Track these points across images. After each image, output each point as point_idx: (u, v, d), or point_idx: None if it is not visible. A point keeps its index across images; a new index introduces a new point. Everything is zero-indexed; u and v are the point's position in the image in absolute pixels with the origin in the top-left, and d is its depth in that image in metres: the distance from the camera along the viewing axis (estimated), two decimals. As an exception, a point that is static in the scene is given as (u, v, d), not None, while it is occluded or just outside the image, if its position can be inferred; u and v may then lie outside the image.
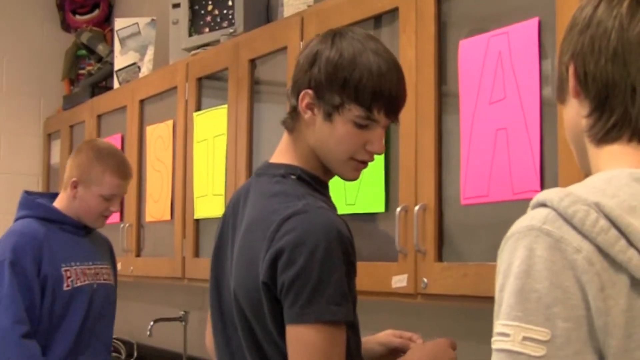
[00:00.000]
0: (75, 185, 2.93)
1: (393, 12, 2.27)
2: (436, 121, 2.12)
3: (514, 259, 1.03)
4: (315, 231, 1.62)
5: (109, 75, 4.51)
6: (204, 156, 3.21)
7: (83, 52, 5.10)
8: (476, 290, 1.95)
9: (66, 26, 5.37)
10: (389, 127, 1.85)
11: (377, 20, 2.34)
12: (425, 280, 2.09)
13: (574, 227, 1.01)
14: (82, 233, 3.00)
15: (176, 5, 3.62)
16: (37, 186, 5.16)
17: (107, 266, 3.07)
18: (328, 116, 1.72)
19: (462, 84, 2.06)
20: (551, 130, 1.82)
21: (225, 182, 3.04)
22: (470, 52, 2.04)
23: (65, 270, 2.88)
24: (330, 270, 1.60)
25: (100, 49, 4.76)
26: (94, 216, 2.97)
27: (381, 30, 2.32)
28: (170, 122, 3.51)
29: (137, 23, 4.30)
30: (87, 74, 4.93)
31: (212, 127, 3.16)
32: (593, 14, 1.15)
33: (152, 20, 4.26)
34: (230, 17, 3.33)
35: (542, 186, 1.83)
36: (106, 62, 4.64)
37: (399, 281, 2.15)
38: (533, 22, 1.87)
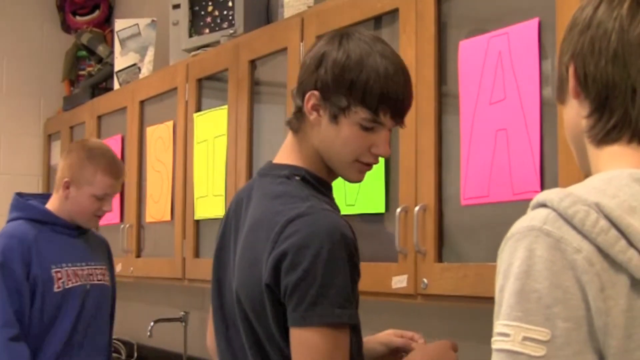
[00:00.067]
0: (67, 186, 2.92)
1: (393, 13, 2.27)
2: (436, 121, 2.12)
3: (514, 260, 1.03)
4: (320, 234, 1.61)
5: (109, 76, 4.51)
6: (204, 157, 3.21)
7: (83, 53, 5.10)
8: (476, 291, 1.95)
9: (66, 27, 5.37)
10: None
11: (377, 20, 2.35)
12: (425, 280, 2.09)
13: (574, 228, 1.01)
14: (74, 234, 2.99)
15: (176, 6, 3.62)
16: (37, 187, 5.16)
17: (103, 267, 3.05)
18: (334, 118, 1.71)
19: (462, 84, 2.06)
20: (551, 130, 1.82)
21: (226, 182, 3.04)
22: (470, 52, 2.04)
23: (56, 272, 2.87)
24: (334, 273, 1.60)
25: (101, 50, 4.76)
26: (86, 216, 2.96)
27: (381, 30, 2.32)
28: (170, 123, 3.51)
29: (137, 24, 4.30)
30: (87, 75, 4.94)
31: (212, 127, 3.16)
32: (593, 14, 1.15)
33: (152, 21, 4.26)
34: (230, 18, 3.33)
35: (542, 187, 1.83)
36: (106, 63, 4.64)
37: (399, 282, 2.16)
38: (533, 23, 1.87)
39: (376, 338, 1.98)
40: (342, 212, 1.83)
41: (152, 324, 3.84)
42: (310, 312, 1.59)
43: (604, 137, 1.14)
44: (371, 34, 1.79)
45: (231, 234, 1.85)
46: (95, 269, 3.00)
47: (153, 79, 3.79)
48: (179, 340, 3.95)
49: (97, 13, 5.27)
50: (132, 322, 4.46)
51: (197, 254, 3.26)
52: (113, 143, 4.04)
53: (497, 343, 1.02)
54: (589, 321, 0.99)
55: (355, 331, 1.69)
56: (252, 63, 2.96)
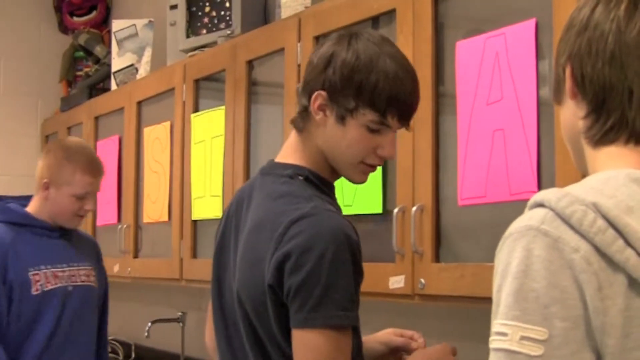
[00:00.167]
0: (46, 187, 2.89)
1: (390, 13, 2.28)
2: (433, 122, 2.12)
3: (512, 259, 1.03)
4: (324, 235, 1.60)
5: (107, 76, 4.51)
6: (202, 157, 3.21)
7: (80, 53, 5.10)
8: (473, 291, 1.96)
9: (64, 28, 5.37)
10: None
11: (375, 21, 2.35)
12: (422, 281, 2.09)
13: (572, 227, 1.01)
14: (55, 235, 2.94)
15: (173, 7, 3.62)
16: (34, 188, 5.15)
17: (88, 267, 3.00)
18: (341, 119, 1.70)
19: (459, 84, 2.06)
20: (548, 130, 1.83)
21: (223, 183, 3.04)
22: (467, 53, 2.05)
23: (34, 275, 2.82)
24: (338, 275, 1.59)
25: (98, 50, 4.76)
26: (68, 216, 2.91)
27: (378, 31, 2.32)
28: (167, 124, 3.51)
29: (134, 25, 4.30)
30: (85, 75, 4.94)
31: (210, 128, 3.16)
32: (590, 15, 1.15)
33: (150, 21, 4.26)
34: (227, 18, 3.33)
35: (539, 187, 1.83)
36: (104, 63, 4.64)
37: (397, 282, 2.16)
38: (530, 23, 1.88)
39: (375, 337, 1.97)
40: (340, 213, 1.82)
41: (149, 324, 3.83)
42: (313, 313, 1.58)
43: (601, 138, 1.14)
44: (379, 34, 1.77)
45: (231, 232, 1.83)
46: (78, 270, 2.95)
47: (150, 79, 3.79)
48: (177, 341, 3.95)
49: (94, 14, 5.27)
50: (129, 323, 4.46)
51: (194, 255, 3.26)
52: (110, 144, 4.05)
53: (494, 342, 1.02)
54: (586, 321, 0.99)
55: (355, 332, 1.69)
56: (250, 63, 2.96)
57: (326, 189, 1.77)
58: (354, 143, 1.71)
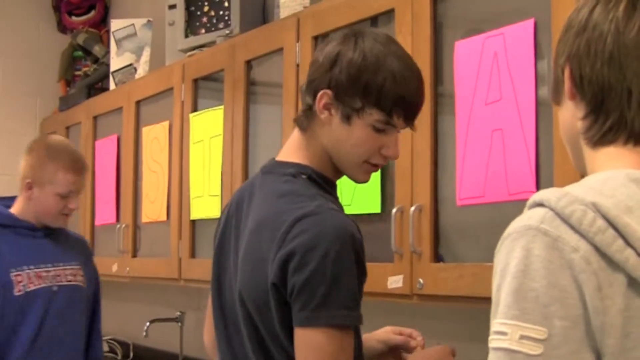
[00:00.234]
0: (29, 187, 2.86)
1: (389, 13, 2.28)
2: (432, 122, 2.12)
3: (511, 259, 1.03)
4: (328, 234, 1.59)
5: (105, 76, 4.51)
6: (200, 157, 3.21)
7: (79, 53, 5.09)
8: (472, 291, 1.96)
9: (62, 27, 5.37)
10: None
11: (374, 21, 2.35)
12: (421, 280, 2.10)
13: (572, 227, 1.01)
14: (40, 235, 2.91)
15: (172, 7, 3.62)
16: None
17: (75, 267, 2.95)
18: (347, 118, 1.69)
19: (458, 84, 2.07)
20: (547, 130, 1.83)
21: (222, 183, 3.04)
22: (466, 53, 2.05)
23: (16, 275, 2.79)
24: (342, 274, 1.58)
25: (97, 50, 4.76)
26: (53, 216, 2.88)
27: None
28: (166, 123, 3.51)
29: (133, 24, 4.30)
30: (83, 75, 4.93)
31: (208, 128, 3.16)
32: (589, 16, 1.15)
33: (148, 21, 4.26)
34: (226, 18, 3.33)
35: (538, 187, 1.83)
36: (102, 63, 4.64)
37: (395, 282, 2.16)
38: (529, 23, 1.88)
39: (374, 336, 1.96)
40: (339, 213, 1.82)
41: (148, 324, 3.83)
42: (317, 312, 1.58)
43: (600, 139, 1.14)
44: (385, 34, 1.77)
45: (232, 232, 1.82)
46: (64, 269, 2.91)
47: (149, 79, 3.79)
48: (175, 341, 3.95)
49: (93, 13, 5.26)
50: (128, 322, 4.46)
51: (193, 254, 3.26)
52: (109, 143, 4.05)
53: (494, 341, 1.02)
54: (586, 320, 0.99)
55: (355, 332, 1.68)
56: (248, 63, 2.96)
57: (329, 188, 1.76)
58: (359, 142, 1.70)
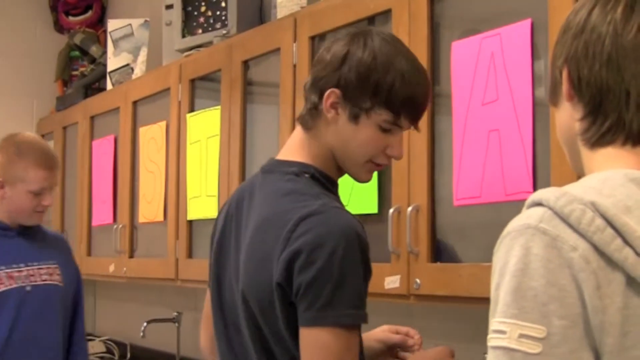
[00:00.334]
0: (1, 186, 2.83)
1: (386, 14, 2.28)
2: (429, 122, 2.12)
3: (510, 258, 1.03)
4: (334, 232, 1.58)
5: (102, 76, 4.51)
6: (197, 157, 3.21)
7: (76, 53, 5.09)
8: (469, 291, 1.96)
9: (59, 27, 5.36)
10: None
11: (371, 21, 2.35)
12: (418, 281, 2.10)
13: (570, 226, 1.02)
14: (13, 234, 2.89)
15: (169, 7, 3.62)
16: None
17: (52, 265, 2.93)
18: (354, 118, 1.68)
19: (455, 85, 2.07)
20: (544, 131, 1.83)
21: (219, 183, 3.04)
22: (462, 53, 2.05)
23: None
24: (349, 273, 1.57)
25: (94, 50, 4.76)
26: (26, 214, 2.85)
27: (374, 31, 2.33)
28: (163, 124, 3.51)
29: (130, 24, 4.30)
30: (80, 75, 4.93)
31: (206, 128, 3.16)
32: (587, 18, 1.15)
33: (145, 21, 4.26)
34: (223, 18, 3.33)
35: (535, 187, 1.83)
36: (99, 63, 4.64)
37: (392, 282, 2.16)
38: (525, 24, 1.88)
39: (372, 335, 1.95)
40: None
41: (145, 324, 3.83)
42: (323, 312, 1.56)
43: (598, 140, 1.15)
44: (391, 33, 1.76)
45: (232, 231, 1.80)
46: (39, 268, 2.88)
47: (146, 79, 3.79)
48: (172, 341, 3.95)
49: (89, 13, 5.26)
50: (125, 323, 4.46)
51: (190, 255, 3.26)
52: (106, 143, 4.04)
53: (493, 340, 1.02)
54: (585, 319, 0.99)
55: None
56: (245, 63, 2.96)
57: (331, 187, 1.75)
58: (365, 142, 1.70)
